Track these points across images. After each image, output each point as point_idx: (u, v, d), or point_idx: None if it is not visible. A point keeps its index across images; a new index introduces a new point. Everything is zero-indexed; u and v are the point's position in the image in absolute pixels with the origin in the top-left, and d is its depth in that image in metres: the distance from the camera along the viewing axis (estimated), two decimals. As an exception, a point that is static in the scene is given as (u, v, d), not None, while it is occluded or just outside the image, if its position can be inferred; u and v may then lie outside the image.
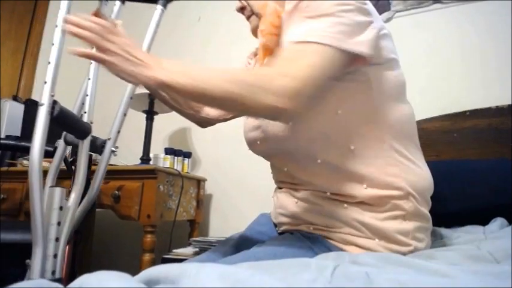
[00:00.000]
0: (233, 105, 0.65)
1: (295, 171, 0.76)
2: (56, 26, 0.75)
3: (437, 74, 1.62)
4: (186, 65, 0.63)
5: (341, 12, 0.64)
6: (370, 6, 0.70)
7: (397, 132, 0.70)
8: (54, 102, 0.73)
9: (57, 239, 0.74)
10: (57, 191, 0.77)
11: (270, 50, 0.76)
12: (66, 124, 0.80)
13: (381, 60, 0.70)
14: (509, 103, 1.34)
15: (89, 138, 0.88)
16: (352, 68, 0.67)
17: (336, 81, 0.67)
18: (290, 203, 0.76)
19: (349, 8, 0.65)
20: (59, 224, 0.75)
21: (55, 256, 0.73)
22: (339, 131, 0.69)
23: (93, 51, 0.62)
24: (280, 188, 0.83)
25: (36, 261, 0.68)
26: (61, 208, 0.77)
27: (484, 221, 0.96)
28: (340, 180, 0.70)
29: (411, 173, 0.70)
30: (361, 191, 0.68)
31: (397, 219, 0.67)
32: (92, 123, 0.89)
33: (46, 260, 0.70)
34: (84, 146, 0.87)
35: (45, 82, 0.72)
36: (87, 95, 0.91)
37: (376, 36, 0.67)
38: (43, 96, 0.71)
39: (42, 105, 0.71)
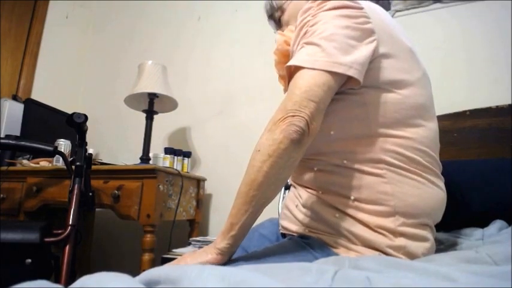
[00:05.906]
0: (273, 169, 0.65)
1: (297, 173, 0.79)
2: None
3: (437, 73, 1.62)
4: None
5: (335, 36, 0.66)
6: (375, 25, 0.68)
7: (398, 155, 0.68)
8: None
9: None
10: None
11: (285, 78, 0.77)
12: None
13: (377, 82, 0.69)
14: (509, 103, 1.34)
15: None
16: (344, 88, 0.69)
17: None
18: (291, 205, 0.79)
19: (343, 32, 0.67)
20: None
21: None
22: (332, 149, 0.71)
23: None
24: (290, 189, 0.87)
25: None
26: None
27: (483, 222, 0.95)
28: (332, 189, 0.71)
29: (409, 193, 0.68)
30: (349, 203, 0.69)
31: (388, 235, 0.66)
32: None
33: None
34: None
35: None
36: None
37: (367, 58, 0.66)
38: None
39: None
